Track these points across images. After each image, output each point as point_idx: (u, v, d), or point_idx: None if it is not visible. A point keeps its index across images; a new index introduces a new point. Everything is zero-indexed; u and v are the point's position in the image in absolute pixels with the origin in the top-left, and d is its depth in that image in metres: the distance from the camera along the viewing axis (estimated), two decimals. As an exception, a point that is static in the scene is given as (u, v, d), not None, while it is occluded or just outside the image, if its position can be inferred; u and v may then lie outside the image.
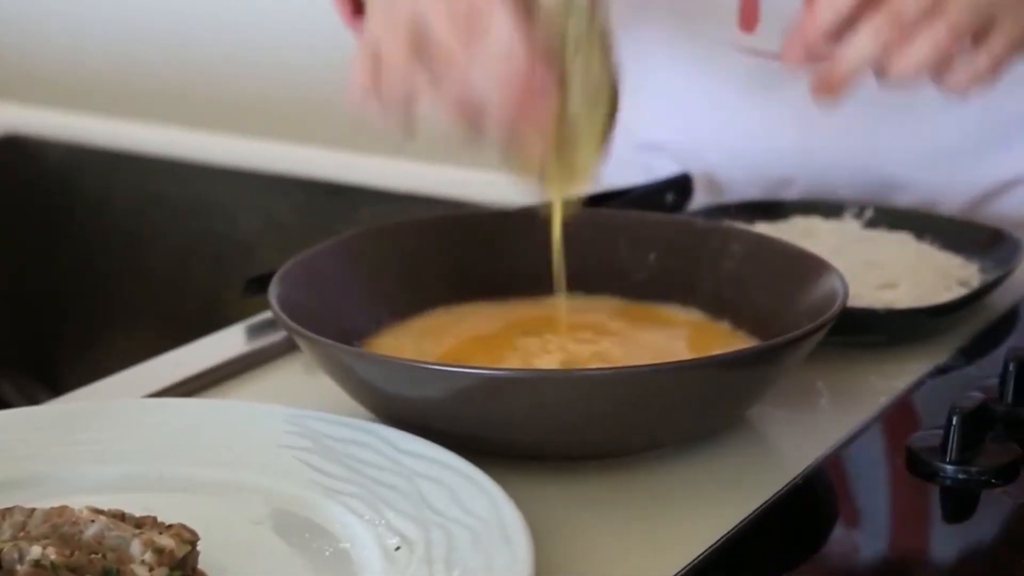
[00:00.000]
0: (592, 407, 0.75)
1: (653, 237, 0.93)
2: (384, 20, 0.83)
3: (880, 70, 0.87)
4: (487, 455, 0.75)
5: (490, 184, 1.30)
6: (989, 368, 0.87)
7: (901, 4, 0.86)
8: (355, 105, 0.85)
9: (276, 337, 0.94)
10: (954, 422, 0.75)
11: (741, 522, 0.72)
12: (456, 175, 1.36)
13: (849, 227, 1.05)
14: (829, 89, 0.88)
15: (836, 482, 0.78)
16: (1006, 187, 1.14)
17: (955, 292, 0.95)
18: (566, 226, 0.91)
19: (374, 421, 0.79)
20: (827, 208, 1.07)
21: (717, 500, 0.75)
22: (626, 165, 1.23)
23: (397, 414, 0.78)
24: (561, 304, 0.89)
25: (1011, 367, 0.81)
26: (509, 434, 0.76)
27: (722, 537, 0.71)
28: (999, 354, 0.90)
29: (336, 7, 1.00)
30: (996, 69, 0.88)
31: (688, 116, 1.17)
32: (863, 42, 0.86)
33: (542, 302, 0.92)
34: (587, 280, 0.92)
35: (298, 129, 1.61)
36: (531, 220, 0.94)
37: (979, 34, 0.87)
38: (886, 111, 1.12)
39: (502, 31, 0.79)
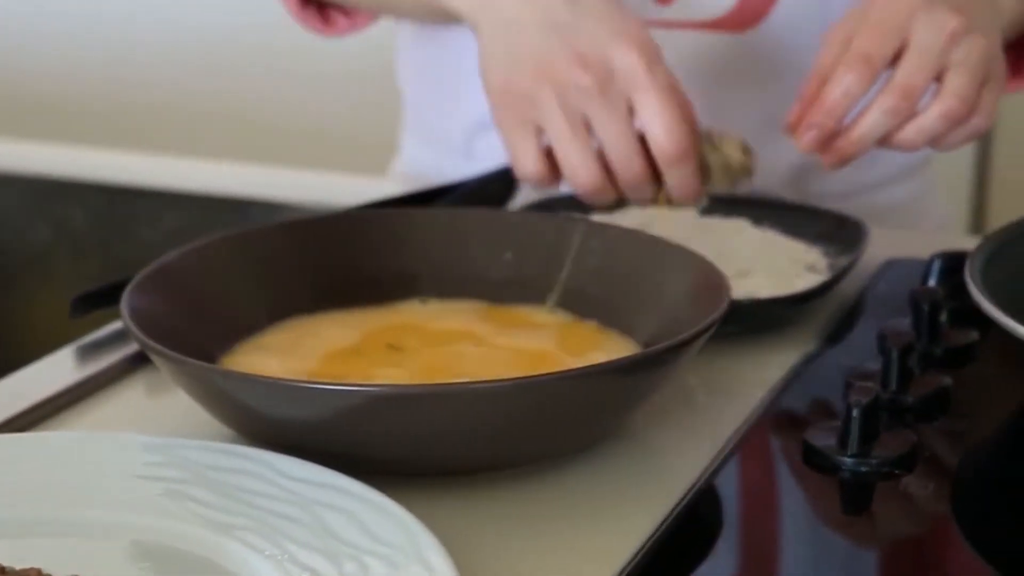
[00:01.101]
0: (486, 419, 0.71)
1: (507, 235, 0.89)
2: (543, 100, 0.89)
3: (887, 139, 0.92)
4: (370, 474, 0.70)
5: (295, 185, 1.25)
6: (858, 354, 0.87)
7: (909, 79, 0.90)
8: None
9: (111, 359, 0.87)
10: (853, 415, 0.74)
11: (657, 528, 0.70)
12: (266, 175, 1.30)
13: (685, 215, 1.03)
14: (841, 161, 0.93)
15: (736, 483, 0.76)
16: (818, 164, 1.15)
17: (807, 278, 0.94)
18: (415, 230, 0.88)
19: (239, 443, 0.74)
20: (661, 197, 1.05)
21: (622, 509, 0.73)
22: (449, 151, 1.19)
23: (276, 436, 0.73)
24: (421, 310, 0.86)
25: (894, 354, 0.80)
26: (396, 451, 0.72)
27: (643, 546, 0.68)
28: (862, 340, 0.90)
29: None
30: (990, 125, 0.93)
31: None
32: (876, 120, 0.91)
33: (396, 309, 0.88)
34: (442, 284, 0.89)
35: (93, 131, 1.52)
36: (378, 222, 0.90)
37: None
38: (721, 84, 1.11)
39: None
